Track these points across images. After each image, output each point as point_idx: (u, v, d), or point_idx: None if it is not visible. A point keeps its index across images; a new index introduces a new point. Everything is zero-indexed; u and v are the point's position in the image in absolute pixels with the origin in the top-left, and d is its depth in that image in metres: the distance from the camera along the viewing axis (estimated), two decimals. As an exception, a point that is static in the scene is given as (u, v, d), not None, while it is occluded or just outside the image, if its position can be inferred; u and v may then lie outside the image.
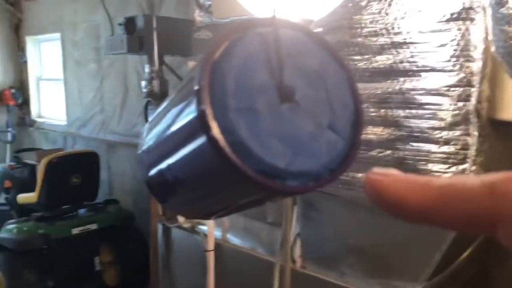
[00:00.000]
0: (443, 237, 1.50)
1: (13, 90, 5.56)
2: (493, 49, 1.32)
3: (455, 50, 1.44)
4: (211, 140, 0.26)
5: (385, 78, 1.60)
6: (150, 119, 0.37)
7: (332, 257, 1.82)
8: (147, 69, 3.11)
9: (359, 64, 1.65)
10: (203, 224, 2.26)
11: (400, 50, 1.56)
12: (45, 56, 5.46)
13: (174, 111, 0.31)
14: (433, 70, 1.50)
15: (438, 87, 1.49)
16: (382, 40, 1.60)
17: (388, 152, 1.60)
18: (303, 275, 1.88)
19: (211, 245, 2.20)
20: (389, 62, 1.58)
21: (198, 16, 2.56)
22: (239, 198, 0.31)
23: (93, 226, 3.48)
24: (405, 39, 1.55)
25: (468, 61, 1.43)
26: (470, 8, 1.40)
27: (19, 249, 3.20)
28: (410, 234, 1.59)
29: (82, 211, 3.62)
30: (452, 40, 1.44)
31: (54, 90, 5.33)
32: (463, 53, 1.43)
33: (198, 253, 2.28)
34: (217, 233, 2.27)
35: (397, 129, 1.58)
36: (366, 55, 1.64)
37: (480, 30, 1.40)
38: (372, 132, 1.63)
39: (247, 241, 2.20)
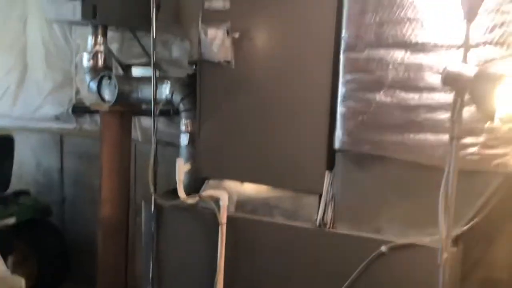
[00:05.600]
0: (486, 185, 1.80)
1: None
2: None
3: None
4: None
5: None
6: None
7: (369, 215, 1.97)
8: (90, 41, 2.82)
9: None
10: (214, 199, 2.19)
11: None
12: None
13: None
14: None
15: None
16: None
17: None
18: (336, 235, 2.01)
19: (224, 219, 2.16)
20: None
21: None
22: None
23: (11, 221, 3.02)
24: None
25: None
26: None
27: None
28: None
29: (-13, 204, 3.09)
30: None
31: None
32: None
33: (202, 230, 2.23)
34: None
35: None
36: None
37: None
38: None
39: (263, 211, 2.21)
